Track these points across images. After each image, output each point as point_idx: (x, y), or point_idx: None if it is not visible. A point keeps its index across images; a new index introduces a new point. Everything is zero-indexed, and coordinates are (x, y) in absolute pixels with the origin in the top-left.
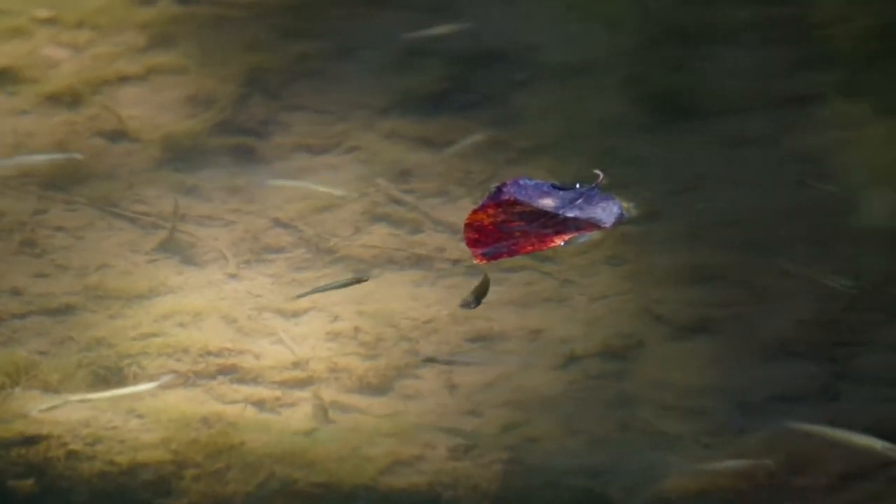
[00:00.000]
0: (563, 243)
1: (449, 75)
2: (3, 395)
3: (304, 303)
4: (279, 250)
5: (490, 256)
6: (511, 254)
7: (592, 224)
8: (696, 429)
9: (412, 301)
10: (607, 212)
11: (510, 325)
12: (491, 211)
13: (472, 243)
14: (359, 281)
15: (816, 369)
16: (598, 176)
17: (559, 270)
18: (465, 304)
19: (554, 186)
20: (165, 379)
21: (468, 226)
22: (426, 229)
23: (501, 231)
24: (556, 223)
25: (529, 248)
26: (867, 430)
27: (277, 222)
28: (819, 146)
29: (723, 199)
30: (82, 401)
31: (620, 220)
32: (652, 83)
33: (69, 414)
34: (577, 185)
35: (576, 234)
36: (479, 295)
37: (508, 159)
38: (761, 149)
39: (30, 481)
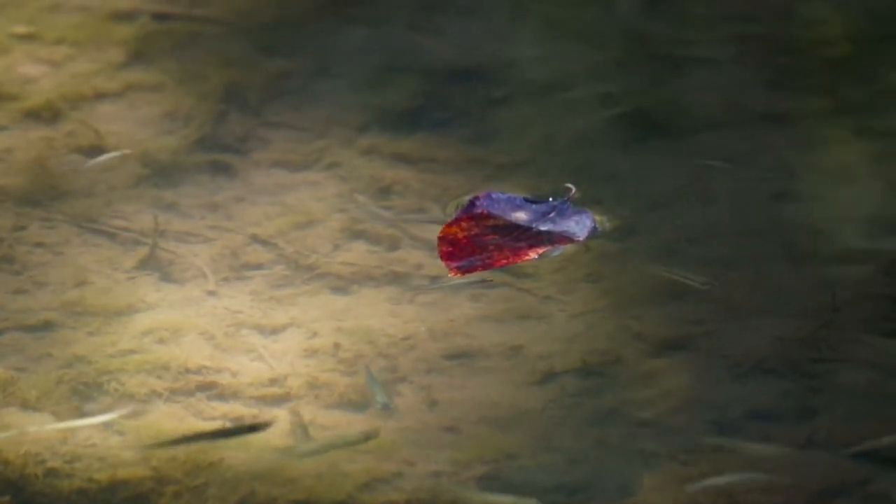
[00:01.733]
0: (536, 256)
1: (426, 92)
2: None
3: (283, 319)
4: (258, 267)
5: (464, 270)
6: (485, 267)
7: (566, 237)
8: (673, 446)
9: (390, 318)
10: (580, 225)
11: (489, 342)
12: (464, 224)
13: (445, 257)
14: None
15: (794, 386)
16: (570, 189)
17: (538, 287)
18: (385, 407)
19: (526, 200)
20: (123, 411)
21: (442, 239)
22: (404, 246)
23: (475, 244)
24: (529, 237)
25: (504, 261)
26: (846, 447)
27: (256, 239)
28: (794, 163)
29: (699, 216)
30: (37, 432)
31: (593, 234)
32: (628, 100)
33: (48, 430)
34: (550, 199)
35: (549, 248)
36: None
37: (486, 176)
38: (737, 166)
39: (6, 498)
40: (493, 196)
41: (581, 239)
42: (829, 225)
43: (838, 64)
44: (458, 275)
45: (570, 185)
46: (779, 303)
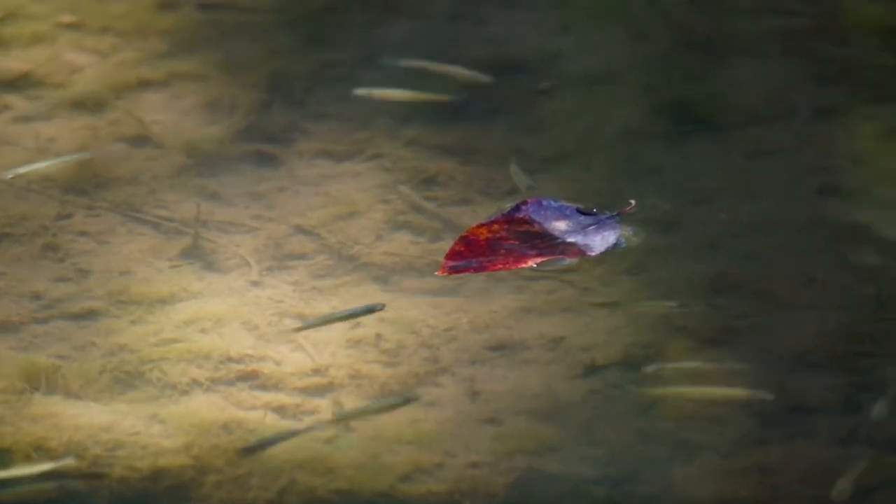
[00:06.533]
0: (535, 265)
1: (470, 83)
2: (24, 400)
3: (326, 309)
4: (301, 257)
5: (455, 270)
6: (477, 270)
7: (579, 250)
8: (716, 439)
9: (433, 309)
10: (603, 240)
11: (531, 334)
12: (496, 227)
13: (452, 255)
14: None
15: (837, 380)
16: (630, 204)
17: (580, 279)
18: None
19: (578, 210)
20: (66, 460)
21: (462, 238)
22: (447, 237)
23: (490, 247)
24: (545, 245)
25: (499, 266)
26: (890, 442)
27: (299, 229)
28: (839, 157)
29: (742, 209)
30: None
31: (614, 249)
32: (673, 93)
33: (90, 419)
34: (604, 212)
35: (556, 258)
36: None
37: (531, 167)
38: (781, 160)
39: (49, 485)
40: (544, 202)
41: (595, 254)
42: (874, 219)
43: (884, 57)
44: (446, 273)
45: (632, 201)
46: (823, 297)
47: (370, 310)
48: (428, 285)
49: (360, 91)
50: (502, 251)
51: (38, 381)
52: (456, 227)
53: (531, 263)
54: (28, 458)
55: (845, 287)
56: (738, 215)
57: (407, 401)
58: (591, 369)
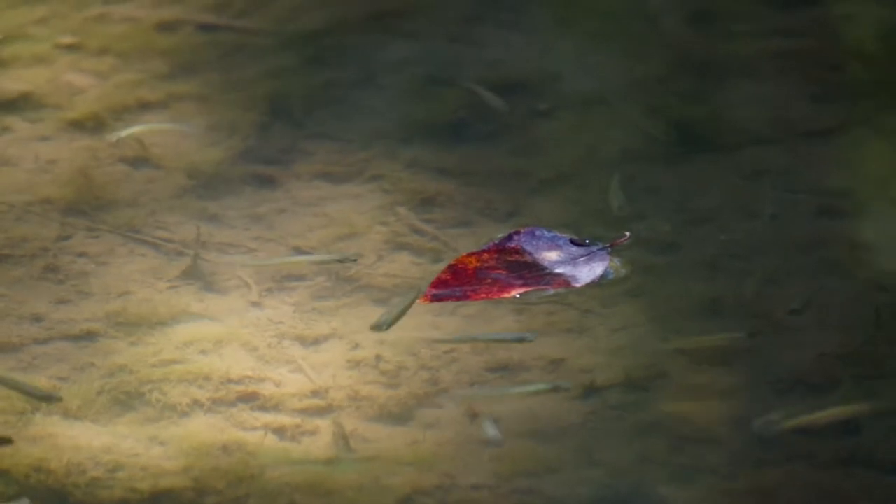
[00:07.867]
0: (517, 295)
1: (470, 104)
2: (24, 421)
3: (325, 330)
4: (301, 278)
5: (437, 298)
6: (460, 299)
7: (564, 281)
8: (715, 460)
9: (432, 330)
10: (590, 272)
11: (530, 355)
12: (486, 256)
13: (437, 284)
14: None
15: (837, 402)
16: (624, 235)
17: (580, 301)
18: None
19: (571, 241)
20: (22, 500)
21: (450, 266)
22: (447, 258)
23: (477, 276)
24: (532, 275)
25: (483, 296)
26: (889, 465)
27: (299, 250)
28: (837, 178)
29: (741, 230)
30: None
31: (600, 281)
32: (671, 114)
33: (90, 440)
34: (597, 244)
35: (541, 288)
36: None
37: (530, 189)
38: (779, 180)
39: None
40: (537, 232)
41: (579, 285)
42: (873, 240)
43: (882, 79)
44: (428, 301)
45: (626, 232)
46: (822, 318)
47: (521, 339)
48: (428, 307)
49: (114, 137)
50: (488, 280)
51: (37, 402)
52: (455, 248)
53: (515, 294)
54: (27, 478)
55: (844, 308)
56: (737, 236)
57: (557, 388)
58: (591, 390)
